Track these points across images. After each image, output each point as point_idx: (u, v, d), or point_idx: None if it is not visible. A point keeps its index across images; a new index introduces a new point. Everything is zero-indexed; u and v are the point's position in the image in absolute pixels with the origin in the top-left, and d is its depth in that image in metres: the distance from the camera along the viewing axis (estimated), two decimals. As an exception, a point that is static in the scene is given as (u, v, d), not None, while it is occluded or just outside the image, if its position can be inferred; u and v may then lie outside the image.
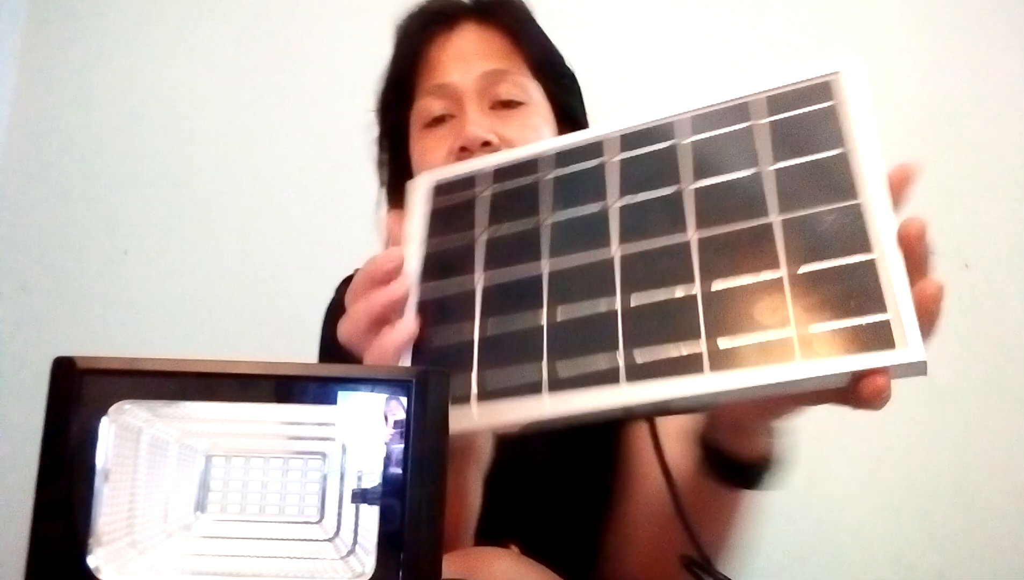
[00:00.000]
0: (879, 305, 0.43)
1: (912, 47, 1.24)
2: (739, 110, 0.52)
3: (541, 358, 0.50)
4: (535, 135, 0.75)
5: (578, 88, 0.85)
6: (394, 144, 0.84)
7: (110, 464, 0.40)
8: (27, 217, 1.31)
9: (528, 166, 0.57)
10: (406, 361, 0.53)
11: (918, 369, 0.43)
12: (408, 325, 0.54)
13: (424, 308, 0.55)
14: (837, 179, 0.47)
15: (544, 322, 0.51)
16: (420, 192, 0.59)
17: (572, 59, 0.85)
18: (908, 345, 0.42)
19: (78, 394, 0.40)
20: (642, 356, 0.47)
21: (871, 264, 0.45)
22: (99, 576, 0.39)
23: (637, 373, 0.47)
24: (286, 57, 1.32)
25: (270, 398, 0.43)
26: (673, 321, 0.47)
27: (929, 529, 1.10)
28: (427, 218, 0.58)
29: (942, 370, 1.13)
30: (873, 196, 0.46)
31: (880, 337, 0.43)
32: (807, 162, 0.49)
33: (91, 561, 0.39)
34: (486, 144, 0.72)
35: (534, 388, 0.49)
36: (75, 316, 1.27)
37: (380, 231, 0.59)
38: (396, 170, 0.84)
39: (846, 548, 1.10)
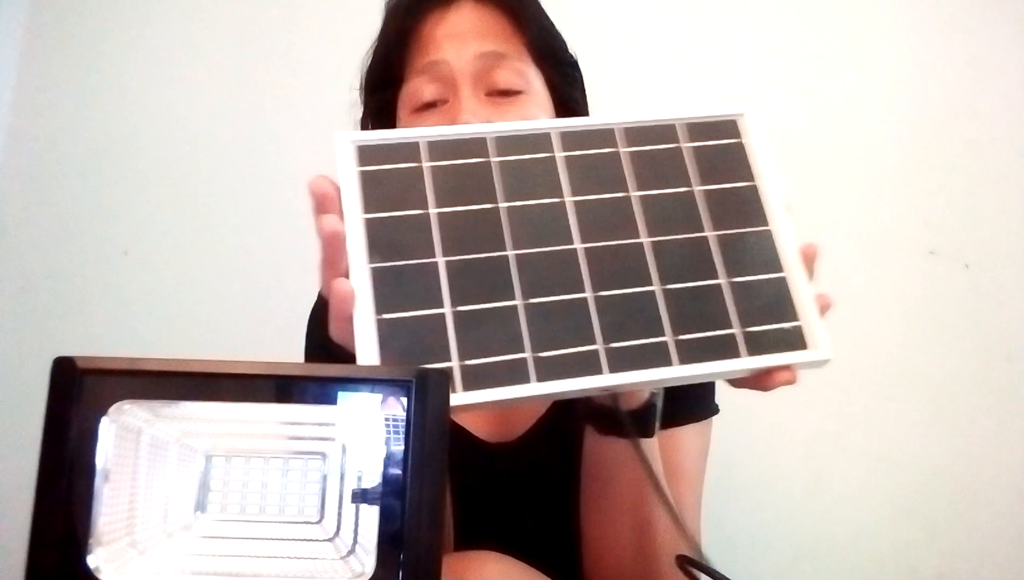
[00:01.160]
0: (793, 314, 0.55)
1: (912, 47, 1.24)
2: (667, 131, 0.60)
3: (524, 349, 0.51)
4: None
5: (580, 76, 0.81)
6: (379, 127, 0.78)
7: (110, 464, 0.40)
8: (28, 217, 1.31)
9: (471, 146, 0.57)
10: (369, 331, 0.51)
11: (825, 363, 0.55)
12: (343, 287, 0.50)
13: (379, 282, 0.52)
14: (750, 207, 0.58)
15: (521, 311, 0.52)
16: (347, 153, 0.56)
17: (574, 43, 0.81)
18: (819, 346, 0.55)
19: (78, 394, 0.40)
20: (620, 348, 0.53)
21: (783, 280, 0.56)
22: (99, 576, 0.39)
23: (616, 364, 0.52)
24: (286, 57, 1.32)
25: (270, 398, 0.43)
26: (640, 314, 0.53)
27: (929, 529, 1.10)
28: (360, 183, 0.55)
29: (942, 370, 1.13)
30: (779, 223, 0.57)
31: (798, 339, 0.55)
32: (726, 189, 0.58)
33: (91, 561, 0.39)
34: None
35: (520, 379, 0.51)
36: (75, 316, 1.27)
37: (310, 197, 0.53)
38: None
39: (846, 548, 1.10)
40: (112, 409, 0.40)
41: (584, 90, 0.82)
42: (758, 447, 1.11)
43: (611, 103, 0.86)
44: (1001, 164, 1.19)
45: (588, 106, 0.82)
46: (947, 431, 1.11)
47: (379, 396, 0.41)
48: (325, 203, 0.53)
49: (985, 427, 1.11)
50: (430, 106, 0.73)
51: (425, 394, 0.41)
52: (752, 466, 1.10)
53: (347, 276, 0.51)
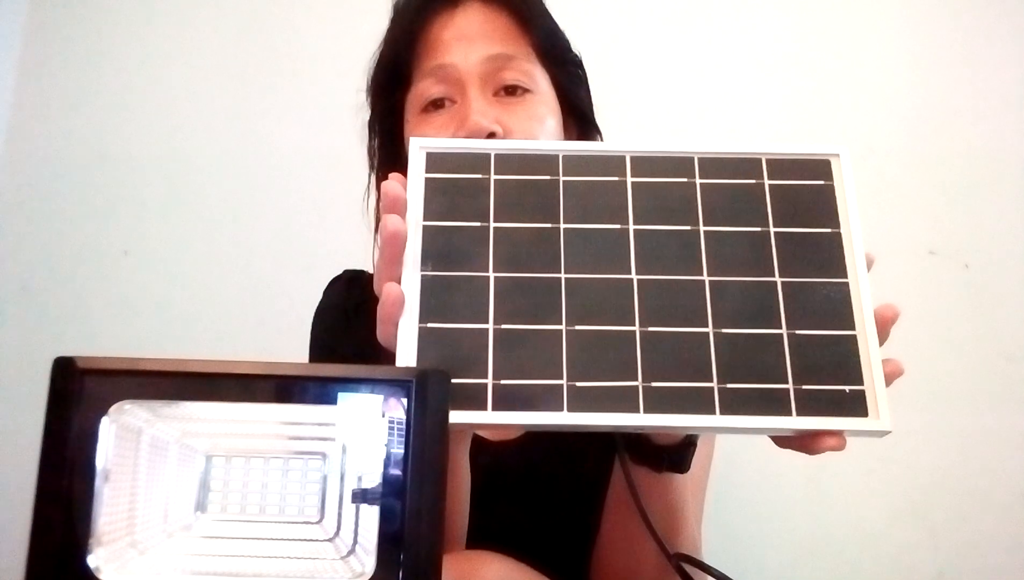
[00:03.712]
0: (858, 377, 0.51)
1: (912, 47, 1.24)
2: (750, 165, 0.56)
3: (561, 376, 0.50)
4: (540, 126, 0.72)
5: (585, 76, 0.82)
6: (387, 129, 0.79)
7: (110, 464, 0.40)
8: (27, 217, 1.31)
9: (541, 162, 0.56)
10: (411, 337, 0.51)
11: (882, 434, 0.51)
12: (394, 292, 0.51)
13: (428, 290, 0.52)
14: (829, 256, 0.54)
15: (564, 336, 0.51)
16: (416, 160, 0.56)
17: (578, 44, 0.81)
18: (880, 417, 0.50)
19: (78, 394, 0.40)
20: (659, 388, 0.50)
21: (852, 339, 0.52)
22: (99, 576, 0.39)
23: (653, 404, 0.50)
24: (286, 57, 1.32)
25: (270, 398, 0.43)
26: (687, 356, 0.51)
27: (929, 529, 1.10)
28: (424, 190, 0.55)
29: (942, 370, 1.13)
30: (860, 278, 0.53)
31: (858, 405, 0.50)
32: (805, 233, 0.54)
33: (91, 561, 0.39)
34: (491, 135, 0.69)
35: (551, 406, 0.49)
36: (75, 316, 1.27)
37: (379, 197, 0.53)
38: (388, 157, 0.80)
39: (846, 548, 1.10)
40: (112, 409, 0.40)
41: (588, 88, 0.82)
42: (758, 447, 1.11)
43: (613, 102, 0.86)
44: (1001, 164, 1.19)
45: (593, 104, 0.82)
46: (947, 431, 1.11)
47: (379, 396, 0.41)
48: (395, 205, 0.53)
49: (985, 427, 1.11)
50: (438, 106, 0.73)
51: (425, 394, 0.41)
52: (752, 466, 1.10)
53: (400, 280, 0.52)
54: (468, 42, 0.73)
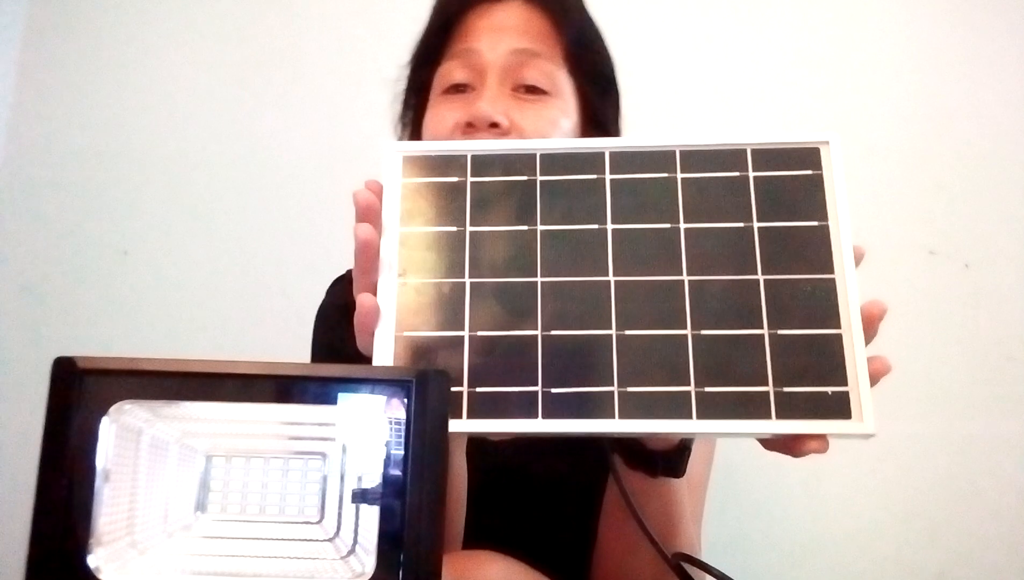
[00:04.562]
0: (841, 378, 0.49)
1: (912, 46, 1.24)
2: (734, 157, 0.54)
3: (536, 383, 0.50)
4: (551, 128, 0.71)
5: (615, 91, 0.81)
6: (415, 104, 0.81)
7: (110, 464, 0.40)
8: (28, 217, 1.31)
9: (518, 163, 0.55)
10: (387, 346, 0.51)
11: (865, 437, 0.49)
12: (368, 302, 0.51)
13: (405, 296, 0.52)
14: (815, 250, 0.51)
15: (539, 342, 0.51)
16: (392, 164, 0.55)
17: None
18: (864, 419, 0.49)
19: (78, 394, 0.40)
20: (635, 393, 0.49)
21: (838, 339, 0.50)
22: (99, 576, 0.39)
23: (629, 410, 0.49)
24: (286, 57, 1.32)
25: (270, 398, 0.43)
26: (664, 359, 0.50)
27: (929, 529, 1.10)
28: (401, 195, 0.55)
29: (942, 370, 1.13)
30: (847, 274, 0.51)
31: (841, 407, 0.49)
32: (790, 227, 0.52)
33: (91, 561, 0.39)
34: (494, 125, 0.69)
35: (526, 413, 0.49)
36: (75, 316, 1.27)
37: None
38: (414, 130, 0.81)
39: (846, 548, 1.10)
40: (112, 409, 0.40)
41: (618, 104, 0.82)
42: (758, 447, 1.11)
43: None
44: (1001, 163, 1.19)
45: (620, 127, 0.82)
46: (947, 431, 1.11)
47: (379, 396, 0.41)
48: (367, 213, 0.53)
49: (985, 427, 1.11)
50: (459, 90, 0.74)
51: (425, 394, 0.41)
52: (752, 466, 1.10)
53: (375, 288, 0.52)
54: (499, 33, 0.74)
